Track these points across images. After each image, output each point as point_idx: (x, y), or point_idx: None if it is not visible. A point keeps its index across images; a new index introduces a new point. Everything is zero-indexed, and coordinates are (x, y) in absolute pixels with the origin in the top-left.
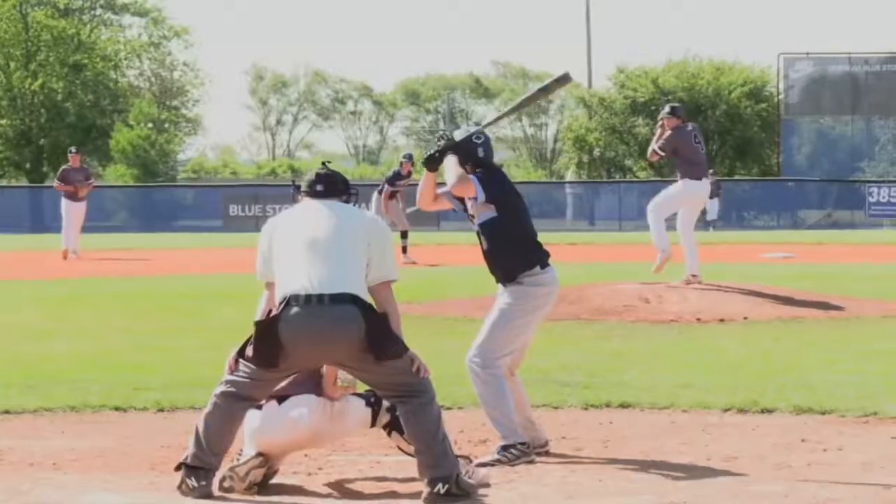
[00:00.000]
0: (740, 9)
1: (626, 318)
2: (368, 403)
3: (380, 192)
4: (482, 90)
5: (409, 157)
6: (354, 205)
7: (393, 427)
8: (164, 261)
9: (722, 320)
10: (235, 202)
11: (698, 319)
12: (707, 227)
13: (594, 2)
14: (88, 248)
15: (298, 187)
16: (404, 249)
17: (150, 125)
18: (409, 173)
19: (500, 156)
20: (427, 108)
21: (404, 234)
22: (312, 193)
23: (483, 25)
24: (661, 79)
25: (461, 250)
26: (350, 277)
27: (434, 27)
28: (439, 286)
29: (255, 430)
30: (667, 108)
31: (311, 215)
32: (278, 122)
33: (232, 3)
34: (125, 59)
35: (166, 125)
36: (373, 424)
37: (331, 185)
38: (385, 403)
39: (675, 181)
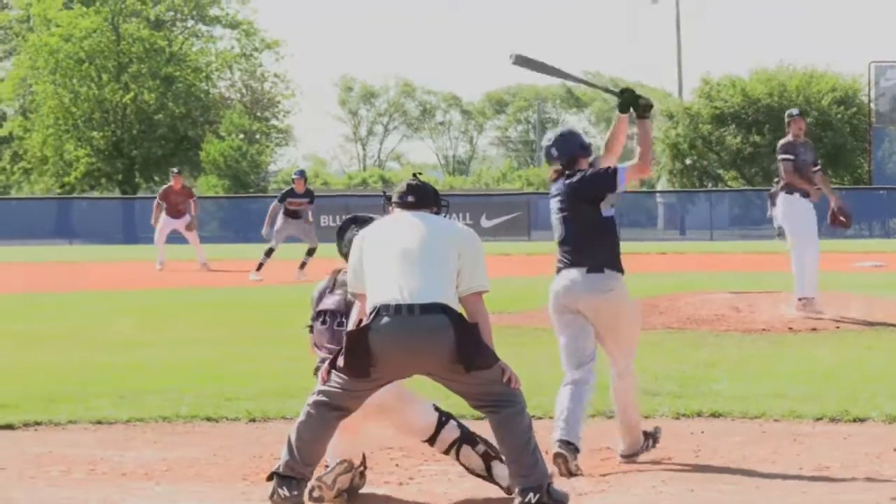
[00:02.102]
0: (831, 18)
1: (717, 328)
2: (437, 409)
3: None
4: (573, 100)
5: (302, 174)
6: (445, 216)
7: (463, 441)
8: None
9: (814, 329)
10: (326, 213)
11: (790, 328)
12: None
13: (684, 11)
14: (180, 259)
15: (389, 198)
16: (303, 265)
17: (241, 136)
18: (307, 191)
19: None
20: (517, 118)
21: (311, 252)
22: (403, 204)
23: (574, 36)
24: (749, 87)
25: (552, 260)
26: (440, 287)
27: (521, 37)
28: (530, 295)
29: None
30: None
31: (402, 226)
32: (369, 132)
33: (321, 16)
34: (216, 70)
35: (257, 136)
36: (434, 436)
37: (422, 196)
38: (454, 422)
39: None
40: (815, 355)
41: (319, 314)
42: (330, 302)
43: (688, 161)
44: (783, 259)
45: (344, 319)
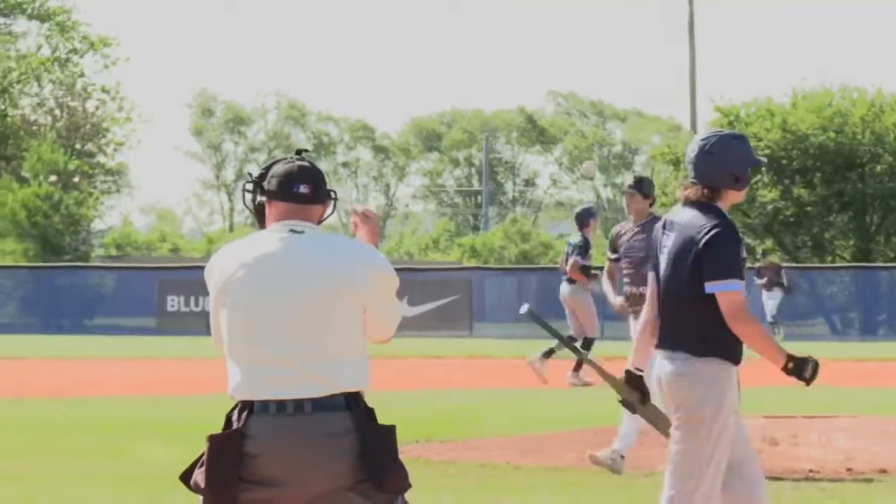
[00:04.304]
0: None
1: None
2: None
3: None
4: (537, 133)
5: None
6: (333, 211)
7: None
8: (73, 375)
9: (884, 471)
10: (176, 292)
11: (849, 470)
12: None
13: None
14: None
15: (260, 186)
16: (580, 365)
17: (52, 178)
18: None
19: (565, 228)
20: (454, 158)
21: (588, 344)
22: (292, 197)
23: (533, 51)
24: (793, 118)
25: (502, 365)
26: (343, 361)
27: (455, 51)
28: (472, 417)
29: None
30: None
31: (281, 261)
32: (238, 175)
33: (170, 7)
34: (17, 82)
35: (76, 179)
36: None
37: (318, 186)
38: None
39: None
40: None
41: None
42: None
43: None
44: (841, 368)
45: None
